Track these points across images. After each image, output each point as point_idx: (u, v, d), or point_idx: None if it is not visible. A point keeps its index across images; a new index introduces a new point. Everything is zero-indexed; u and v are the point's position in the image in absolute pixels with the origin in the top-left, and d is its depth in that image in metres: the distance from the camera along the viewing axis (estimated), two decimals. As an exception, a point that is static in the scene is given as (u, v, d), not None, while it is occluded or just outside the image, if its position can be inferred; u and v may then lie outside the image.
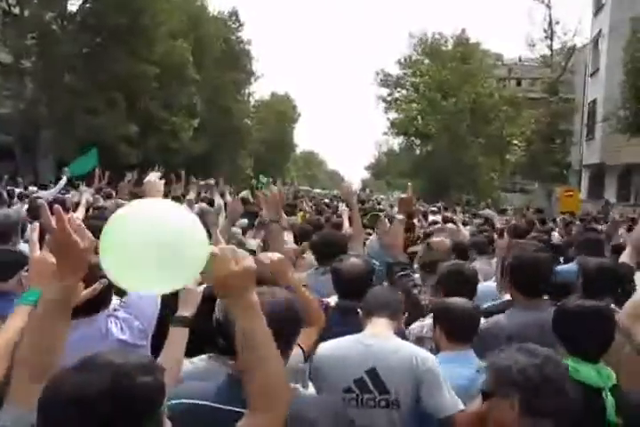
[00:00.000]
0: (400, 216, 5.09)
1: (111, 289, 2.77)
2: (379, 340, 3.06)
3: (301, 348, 2.73)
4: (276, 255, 3.01)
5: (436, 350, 3.37)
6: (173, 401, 2.03)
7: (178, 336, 2.65)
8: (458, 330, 3.32)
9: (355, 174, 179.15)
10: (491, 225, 9.47)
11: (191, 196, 8.30)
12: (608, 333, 2.84)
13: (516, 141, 38.86)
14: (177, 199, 9.28)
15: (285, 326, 2.13)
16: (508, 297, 4.09)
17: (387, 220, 6.72)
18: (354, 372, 2.97)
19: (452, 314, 3.33)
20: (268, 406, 1.77)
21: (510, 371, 2.21)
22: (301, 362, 2.74)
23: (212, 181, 11.57)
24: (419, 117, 41.07)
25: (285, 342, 2.13)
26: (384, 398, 2.94)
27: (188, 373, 2.62)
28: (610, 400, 2.53)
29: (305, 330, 2.53)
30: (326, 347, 3.11)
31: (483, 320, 3.53)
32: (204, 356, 2.73)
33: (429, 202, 23.56)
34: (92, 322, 2.72)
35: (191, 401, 2.04)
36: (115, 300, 2.96)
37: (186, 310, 2.71)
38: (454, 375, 3.05)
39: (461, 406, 2.87)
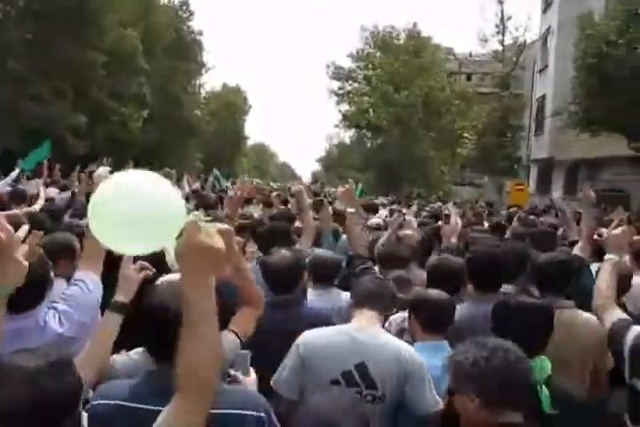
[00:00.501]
0: (351, 209, 5.05)
1: (46, 284, 2.78)
2: (368, 334, 3.07)
3: (235, 334, 2.64)
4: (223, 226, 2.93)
5: (412, 342, 3.40)
6: (94, 402, 2.05)
7: (111, 322, 2.66)
8: (433, 321, 3.37)
9: (306, 167, 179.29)
10: (434, 217, 9.53)
11: None
12: (545, 329, 2.89)
13: (467, 135, 39.22)
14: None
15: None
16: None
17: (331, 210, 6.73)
18: (342, 364, 2.99)
19: (428, 305, 3.38)
20: (196, 388, 1.69)
21: (463, 365, 2.20)
22: (238, 348, 2.63)
23: (170, 170, 11.79)
24: (370, 110, 41.16)
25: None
26: (371, 393, 2.96)
27: (122, 366, 2.60)
28: (544, 392, 2.58)
29: (243, 312, 2.61)
30: (313, 336, 3.13)
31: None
32: (139, 349, 2.66)
33: (381, 195, 23.68)
34: (30, 314, 2.69)
35: (113, 402, 2.03)
36: (60, 288, 2.97)
37: (123, 295, 2.71)
38: (429, 366, 3.06)
39: (442, 406, 2.84)
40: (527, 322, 2.84)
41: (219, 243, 1.71)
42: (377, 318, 3.18)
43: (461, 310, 3.64)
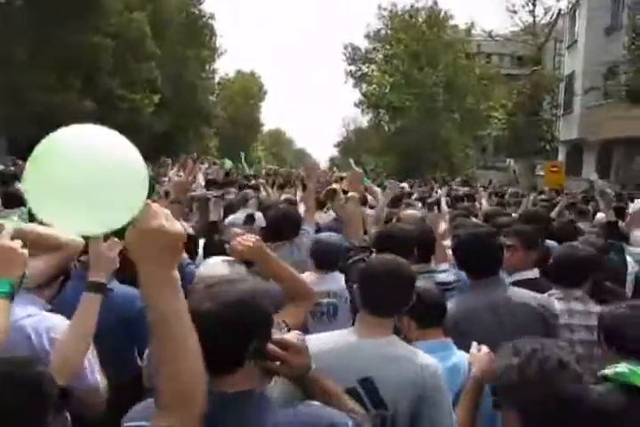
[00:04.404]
0: (353, 194, 4.76)
1: None
2: (373, 342, 2.59)
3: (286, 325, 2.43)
4: (251, 238, 2.71)
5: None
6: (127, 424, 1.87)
7: (90, 305, 2.53)
8: (431, 314, 2.99)
9: (323, 152, 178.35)
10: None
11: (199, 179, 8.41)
12: None
13: (496, 114, 37.70)
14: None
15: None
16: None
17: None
18: (344, 379, 2.40)
19: (421, 296, 2.87)
20: (178, 405, 1.50)
21: (501, 376, 2.04)
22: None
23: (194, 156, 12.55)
24: (388, 90, 39.99)
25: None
26: (380, 413, 2.50)
27: None
28: None
29: (291, 309, 2.52)
30: (310, 345, 2.55)
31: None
32: None
33: (400, 180, 22.67)
34: None
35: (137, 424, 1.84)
36: None
37: (99, 276, 2.61)
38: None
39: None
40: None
41: (177, 226, 1.51)
42: (387, 324, 2.66)
43: (455, 303, 3.35)
